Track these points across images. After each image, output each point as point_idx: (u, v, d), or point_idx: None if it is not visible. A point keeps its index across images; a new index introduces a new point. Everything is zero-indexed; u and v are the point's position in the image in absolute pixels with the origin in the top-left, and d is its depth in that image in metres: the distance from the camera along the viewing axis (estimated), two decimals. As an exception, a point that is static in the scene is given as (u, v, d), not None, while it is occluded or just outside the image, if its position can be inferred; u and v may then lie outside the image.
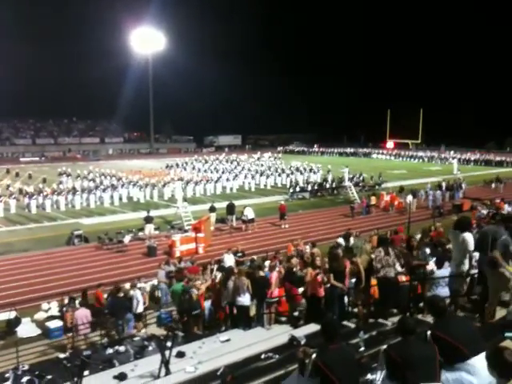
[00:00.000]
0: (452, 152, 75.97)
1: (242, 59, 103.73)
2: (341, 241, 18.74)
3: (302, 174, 49.57)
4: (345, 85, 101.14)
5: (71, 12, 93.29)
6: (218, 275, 15.12)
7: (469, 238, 8.50)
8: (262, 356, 8.70)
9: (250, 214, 28.52)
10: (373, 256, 10.54)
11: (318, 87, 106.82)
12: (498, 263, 7.72)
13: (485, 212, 24.20)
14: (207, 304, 14.15)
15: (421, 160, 75.17)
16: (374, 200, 34.42)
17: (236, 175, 46.15)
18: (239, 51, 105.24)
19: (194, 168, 56.15)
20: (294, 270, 12.75)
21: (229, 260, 18.31)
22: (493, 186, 41.26)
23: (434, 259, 11.18)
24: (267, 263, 15.43)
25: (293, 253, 18.63)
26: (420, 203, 34.04)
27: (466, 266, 8.57)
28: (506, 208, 24.29)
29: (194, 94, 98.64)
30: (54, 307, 16.31)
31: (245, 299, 11.78)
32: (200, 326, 13.48)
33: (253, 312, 12.36)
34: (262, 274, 12.39)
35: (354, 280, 11.26)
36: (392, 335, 7.66)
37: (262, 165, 56.83)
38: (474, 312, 8.67)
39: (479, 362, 4.63)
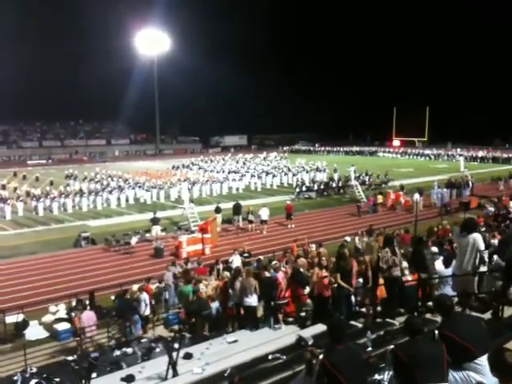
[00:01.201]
0: (458, 149, 75.65)
1: (246, 59, 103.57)
2: (348, 239, 18.68)
3: (307, 172, 49.48)
4: (349, 83, 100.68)
5: (75, 13, 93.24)
6: (226, 275, 15.16)
7: (478, 237, 8.53)
8: (270, 357, 8.69)
9: (264, 214, 28.42)
10: (380, 255, 10.52)
11: (322, 86, 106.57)
12: None
13: (492, 209, 24.11)
14: (215, 305, 14.15)
15: (427, 158, 74.87)
16: (380, 199, 34.27)
17: (242, 175, 46.14)
18: (243, 51, 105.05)
19: (200, 168, 56.15)
20: (301, 270, 12.71)
21: (235, 261, 18.31)
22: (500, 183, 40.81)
23: (441, 258, 11.13)
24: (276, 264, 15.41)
25: (299, 253, 18.64)
26: (426, 201, 33.83)
27: (476, 266, 8.57)
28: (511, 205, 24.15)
29: (200, 94, 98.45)
30: (61, 309, 16.35)
31: (252, 300, 11.77)
32: (206, 326, 13.48)
33: (260, 313, 12.34)
34: (267, 274, 12.36)
35: (361, 280, 11.24)
36: (400, 335, 7.64)
37: (268, 164, 56.77)
38: (482, 311, 8.63)
39: (487, 361, 4.59)
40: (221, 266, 17.76)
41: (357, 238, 20.87)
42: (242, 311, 12.20)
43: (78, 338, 13.63)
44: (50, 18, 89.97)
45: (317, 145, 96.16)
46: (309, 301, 11.96)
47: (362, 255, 12.28)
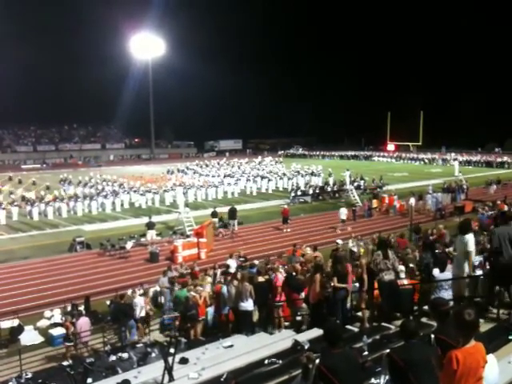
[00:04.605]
0: (453, 154, 75.96)
1: (241, 63, 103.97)
2: (339, 242, 18.64)
3: (303, 177, 49.54)
4: (344, 88, 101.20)
5: (70, 17, 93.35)
6: (220, 280, 15.17)
7: (469, 238, 8.56)
8: (266, 361, 8.68)
9: (343, 214, 29.55)
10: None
11: (317, 91, 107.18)
12: None
13: (490, 213, 24.13)
14: (210, 310, 14.13)
15: (422, 162, 75.17)
16: (375, 203, 34.37)
17: (237, 179, 46.12)
18: (239, 56, 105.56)
19: (195, 173, 56.09)
20: (294, 274, 12.70)
21: (232, 265, 18.28)
22: (493, 187, 41.02)
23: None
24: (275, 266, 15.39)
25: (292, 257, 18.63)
26: (423, 206, 33.81)
27: (466, 269, 8.59)
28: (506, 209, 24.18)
29: (195, 98, 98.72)
30: (56, 314, 16.31)
31: (248, 304, 11.76)
32: (198, 330, 13.45)
33: (256, 317, 12.34)
34: (261, 279, 12.35)
35: (357, 284, 11.24)
36: (396, 339, 7.65)
37: (263, 169, 56.75)
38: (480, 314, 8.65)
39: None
40: (219, 272, 17.71)
41: (350, 242, 20.93)
42: (238, 316, 12.19)
43: (69, 344, 13.56)
44: (43, 21, 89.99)
45: (300, 149, 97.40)
46: (304, 305, 11.95)
47: (358, 259, 12.28)
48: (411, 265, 12.56)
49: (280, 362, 8.54)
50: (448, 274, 9.77)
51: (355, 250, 18.83)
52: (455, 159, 67.87)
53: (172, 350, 8.94)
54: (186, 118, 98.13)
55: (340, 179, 44.32)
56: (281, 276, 12.55)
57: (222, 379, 8.05)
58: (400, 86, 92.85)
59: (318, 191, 41.38)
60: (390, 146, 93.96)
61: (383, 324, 9.82)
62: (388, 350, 5.12)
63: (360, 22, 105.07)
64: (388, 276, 9.95)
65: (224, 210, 31.10)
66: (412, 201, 28.87)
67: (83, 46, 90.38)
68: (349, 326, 10.21)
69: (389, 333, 9.01)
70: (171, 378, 8.40)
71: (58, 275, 21.58)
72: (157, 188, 41.26)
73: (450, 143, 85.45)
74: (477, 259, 10.19)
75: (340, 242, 18.26)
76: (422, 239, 16.52)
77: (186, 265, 19.64)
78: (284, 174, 49.98)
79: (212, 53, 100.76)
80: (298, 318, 12.10)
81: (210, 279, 16.62)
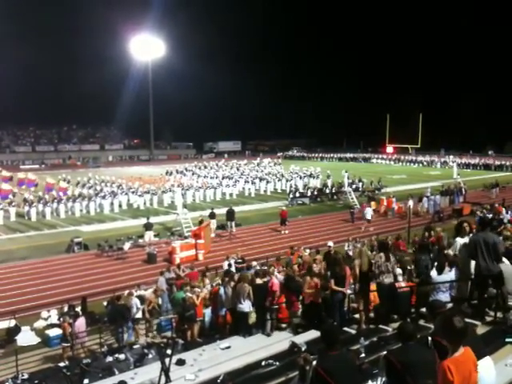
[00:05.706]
0: (451, 156, 76.03)
1: (241, 65, 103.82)
2: (331, 244, 18.54)
3: (301, 178, 49.54)
4: (344, 88, 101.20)
5: (70, 18, 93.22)
6: (219, 282, 15.15)
7: (458, 242, 8.59)
8: (263, 363, 8.68)
9: (368, 214, 30.39)
10: (373, 261, 10.51)
11: (317, 90, 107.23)
12: None
13: (489, 217, 24.13)
14: (208, 311, 14.11)
15: (420, 165, 75.24)
16: (373, 205, 34.37)
17: (236, 181, 46.10)
18: (238, 57, 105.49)
19: (193, 174, 56.01)
20: (292, 276, 12.67)
21: (229, 267, 18.27)
22: (493, 191, 40.98)
23: (435, 264, 11.14)
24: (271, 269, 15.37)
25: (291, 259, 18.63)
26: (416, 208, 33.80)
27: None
28: (504, 213, 24.20)
29: (194, 100, 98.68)
30: (53, 315, 16.28)
31: (245, 306, 11.74)
32: (195, 331, 13.41)
33: (253, 319, 12.30)
34: (259, 281, 12.33)
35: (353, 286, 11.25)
36: (393, 341, 7.65)
37: (261, 170, 56.73)
38: (474, 317, 8.66)
39: (480, 367, 4.59)
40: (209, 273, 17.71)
41: (346, 244, 20.90)
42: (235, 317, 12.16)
43: (66, 344, 13.52)
44: (43, 21, 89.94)
45: (295, 150, 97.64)
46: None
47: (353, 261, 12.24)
48: (409, 267, 12.55)
49: (277, 363, 8.54)
50: (446, 276, 9.76)
51: (351, 253, 18.75)
52: (454, 161, 67.97)
53: (169, 352, 8.92)
54: (186, 120, 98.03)
55: (338, 181, 44.33)
56: (276, 280, 12.53)
57: (218, 381, 8.03)
58: (399, 87, 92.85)
59: (316, 193, 41.41)
60: (389, 149, 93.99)
61: (380, 326, 9.81)
62: (385, 352, 5.11)
63: (360, 23, 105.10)
64: (388, 279, 9.94)
65: (222, 211, 31.06)
66: (410, 203, 28.87)
67: (83, 47, 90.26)
68: (346, 328, 10.20)
69: (386, 335, 9.00)
70: (168, 380, 8.39)
71: (56, 276, 21.55)
72: (155, 189, 41.20)
73: (449, 146, 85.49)
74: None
75: (331, 244, 18.13)
76: (419, 241, 16.53)
77: (184, 266, 19.62)
78: (282, 176, 50.00)
79: (211, 54, 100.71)
80: (296, 320, 12.08)
81: (208, 280, 16.62)
